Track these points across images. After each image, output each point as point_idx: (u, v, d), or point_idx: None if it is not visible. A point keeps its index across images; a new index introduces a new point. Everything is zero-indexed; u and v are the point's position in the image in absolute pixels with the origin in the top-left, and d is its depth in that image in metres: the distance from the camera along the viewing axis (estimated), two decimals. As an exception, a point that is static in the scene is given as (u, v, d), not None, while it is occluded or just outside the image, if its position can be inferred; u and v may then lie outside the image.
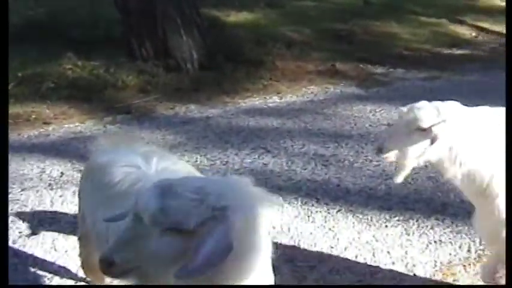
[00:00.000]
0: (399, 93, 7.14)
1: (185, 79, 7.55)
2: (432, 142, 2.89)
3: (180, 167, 2.57)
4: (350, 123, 6.10)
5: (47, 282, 3.55)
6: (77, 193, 4.64)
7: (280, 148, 5.49)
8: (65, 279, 3.59)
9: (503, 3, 12.62)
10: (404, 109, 2.99)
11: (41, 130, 6.18)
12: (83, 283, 3.53)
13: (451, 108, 2.94)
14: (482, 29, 10.75)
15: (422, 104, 2.97)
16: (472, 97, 6.82)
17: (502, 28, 10.75)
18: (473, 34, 10.48)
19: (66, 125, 6.30)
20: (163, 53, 7.68)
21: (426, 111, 2.90)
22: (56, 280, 3.57)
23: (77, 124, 6.34)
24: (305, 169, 5.01)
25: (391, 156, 3.05)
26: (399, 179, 3.07)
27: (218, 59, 7.88)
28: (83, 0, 9.39)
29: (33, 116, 6.54)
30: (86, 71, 7.42)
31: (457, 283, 3.46)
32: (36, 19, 8.68)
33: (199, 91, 7.26)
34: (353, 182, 4.77)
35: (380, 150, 3.08)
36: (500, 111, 2.99)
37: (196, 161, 5.25)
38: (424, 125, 2.89)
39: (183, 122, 6.33)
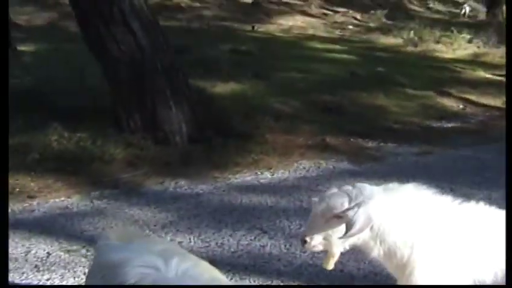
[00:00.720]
0: (393, 170, 7.00)
1: (174, 153, 7.37)
2: (349, 227, 2.99)
3: (202, 270, 2.36)
4: (345, 202, 5.92)
5: None
6: (65, 277, 4.50)
7: (277, 229, 5.29)
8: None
9: (488, 75, 12.72)
10: (316, 199, 3.15)
11: (25, 205, 5.95)
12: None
13: (363, 190, 3.11)
14: (469, 101, 10.74)
15: (333, 191, 3.16)
16: (467, 175, 6.80)
17: (488, 100, 10.79)
18: (461, 106, 10.45)
19: (51, 200, 6.07)
20: (152, 125, 7.52)
21: (337, 199, 3.06)
22: None
23: (62, 199, 6.11)
24: (305, 252, 4.80)
25: (318, 246, 3.17)
26: (330, 266, 3.25)
27: (207, 132, 7.72)
28: (71, 69, 9.22)
29: (17, 189, 6.30)
30: (72, 143, 7.22)
31: None
32: (23, 87, 8.48)
33: (189, 165, 7.08)
34: (357, 267, 4.57)
35: (304, 242, 3.17)
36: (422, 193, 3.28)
37: (190, 242, 5.04)
38: (338, 211, 3.03)
39: (173, 198, 6.13)
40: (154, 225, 5.40)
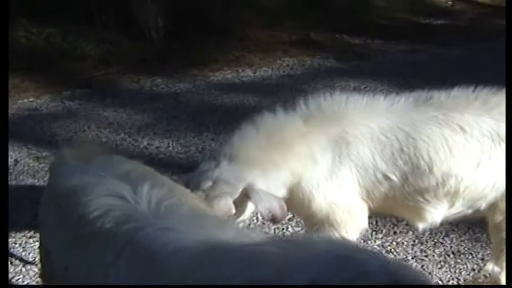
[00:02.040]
0: (382, 68, 6.69)
1: (150, 49, 6.95)
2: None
3: (179, 198, 1.94)
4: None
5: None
6: (35, 188, 4.16)
7: (261, 131, 4.96)
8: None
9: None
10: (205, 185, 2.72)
11: (-10, 106, 5.56)
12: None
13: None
14: (458, -3, 10.31)
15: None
16: (457, 75, 6.46)
17: (478, -4, 10.36)
18: (450, 2, 10.01)
19: (19, 101, 5.69)
20: (126, 20, 7.06)
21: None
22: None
23: (31, 99, 5.74)
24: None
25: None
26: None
27: (185, 26, 7.28)
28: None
29: (-19, 89, 5.90)
30: (41, 39, 6.77)
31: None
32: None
33: (166, 62, 6.68)
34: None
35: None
36: None
37: (168, 146, 4.71)
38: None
39: (150, 98, 5.77)
40: (130, 128, 5.06)
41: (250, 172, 2.73)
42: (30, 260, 3.39)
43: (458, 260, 3.31)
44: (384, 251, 3.37)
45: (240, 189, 2.70)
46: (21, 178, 4.24)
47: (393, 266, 1.36)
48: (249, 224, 3.52)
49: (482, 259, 3.32)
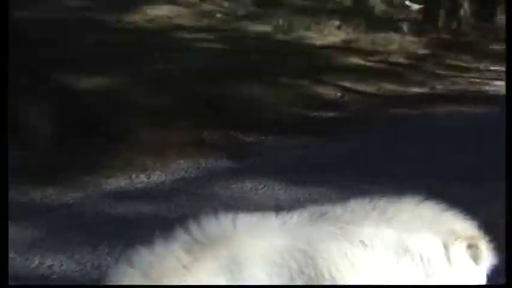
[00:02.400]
0: (277, 165, 6.67)
1: (38, 157, 6.69)
2: None
3: None
4: (231, 207, 5.47)
5: None
6: None
7: (158, 242, 4.78)
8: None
9: (361, 61, 12.63)
10: None
11: None
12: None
13: None
14: (345, 89, 10.54)
15: None
16: (351, 168, 6.52)
17: (364, 87, 10.65)
18: (338, 94, 10.23)
19: None
20: (11, 128, 6.79)
21: None
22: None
23: None
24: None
25: None
26: None
27: (74, 132, 7.08)
28: None
29: None
30: None
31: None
32: None
33: (56, 171, 6.43)
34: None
35: None
36: None
37: (62, 265, 4.45)
38: None
39: (41, 211, 5.50)
40: (20, 246, 4.77)
41: None
42: None
43: None
44: None
45: None
46: None
47: None
48: None
49: None
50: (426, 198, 2.90)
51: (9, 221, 5.11)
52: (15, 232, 5.00)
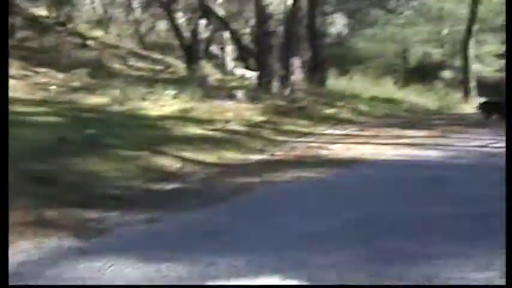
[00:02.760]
0: (124, 242, 6.51)
1: None
2: None
3: None
4: (80, 289, 5.28)
5: None
6: None
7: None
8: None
9: (199, 131, 12.78)
10: None
11: None
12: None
13: None
14: (185, 159, 10.60)
15: None
16: (199, 240, 6.48)
17: (204, 156, 10.77)
18: (179, 165, 10.25)
19: None
20: None
21: None
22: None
23: None
24: None
25: None
26: None
27: None
28: None
29: None
30: None
31: None
32: None
33: None
34: None
35: None
36: None
37: None
38: None
39: None
40: None
41: None
42: None
43: None
44: None
45: None
46: None
47: None
48: None
49: None
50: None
51: None
52: None
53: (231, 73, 24.92)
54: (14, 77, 16.75)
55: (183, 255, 5.96)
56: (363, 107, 20.49)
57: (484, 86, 35.23)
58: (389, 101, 25.15)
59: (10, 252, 6.11)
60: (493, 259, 5.51)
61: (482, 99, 23.02)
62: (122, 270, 5.60)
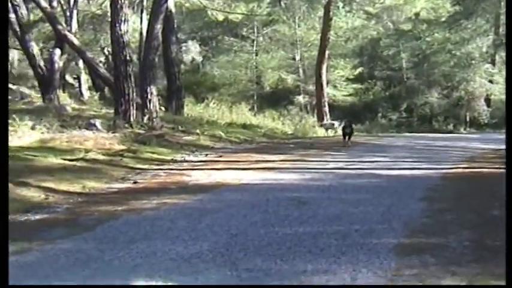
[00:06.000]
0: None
1: None
2: None
3: None
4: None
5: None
6: None
7: None
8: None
9: (59, 161, 12.70)
10: None
11: None
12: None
13: None
14: (49, 190, 10.54)
15: None
16: (75, 269, 6.52)
17: (67, 186, 10.75)
18: (43, 196, 10.18)
19: None
20: None
21: None
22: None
23: None
24: None
25: None
26: None
27: None
28: None
29: None
30: None
31: None
32: None
33: None
34: None
35: None
36: None
37: None
38: None
39: None
40: None
41: None
42: None
43: None
44: None
45: None
46: None
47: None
48: None
49: None
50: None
51: None
52: None
53: (87, 103, 24.76)
54: None
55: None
56: (221, 133, 20.88)
57: (337, 110, 36.74)
58: (246, 126, 25.72)
59: None
60: (356, 275, 6.00)
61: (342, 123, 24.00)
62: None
